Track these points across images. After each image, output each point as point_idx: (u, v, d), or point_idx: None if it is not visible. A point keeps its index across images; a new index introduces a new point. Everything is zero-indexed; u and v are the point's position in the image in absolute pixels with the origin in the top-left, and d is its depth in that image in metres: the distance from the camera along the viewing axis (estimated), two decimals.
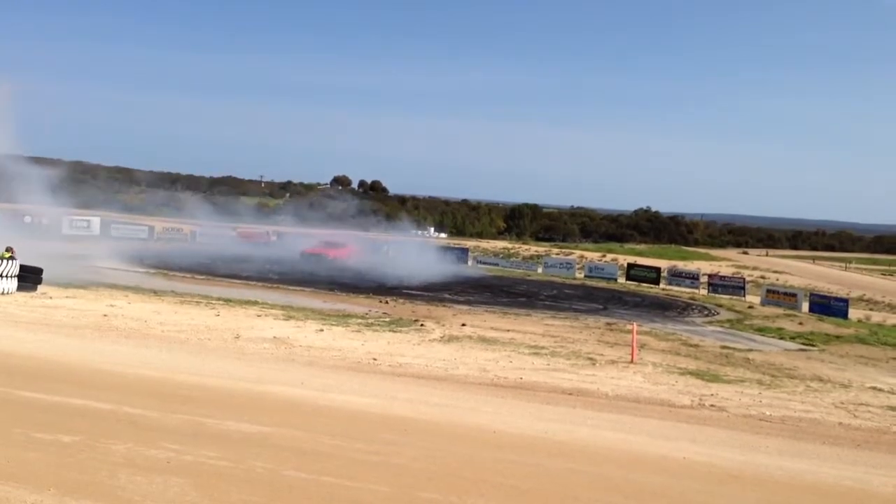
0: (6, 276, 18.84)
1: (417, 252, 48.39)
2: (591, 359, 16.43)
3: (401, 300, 26.53)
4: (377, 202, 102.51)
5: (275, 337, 16.15)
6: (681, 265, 55.46)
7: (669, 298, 36.76)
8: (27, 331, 14.63)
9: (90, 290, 21.59)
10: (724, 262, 74.87)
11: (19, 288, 19.28)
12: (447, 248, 52.83)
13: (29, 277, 19.73)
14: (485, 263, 49.06)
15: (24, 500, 6.20)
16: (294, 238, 48.78)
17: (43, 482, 6.61)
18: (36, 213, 42.96)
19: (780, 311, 32.66)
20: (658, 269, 45.12)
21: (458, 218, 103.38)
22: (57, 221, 44.12)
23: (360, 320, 20.01)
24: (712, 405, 12.56)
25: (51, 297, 19.15)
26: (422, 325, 20.01)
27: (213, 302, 21.23)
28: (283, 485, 7.00)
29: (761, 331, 25.13)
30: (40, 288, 19.97)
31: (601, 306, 30.44)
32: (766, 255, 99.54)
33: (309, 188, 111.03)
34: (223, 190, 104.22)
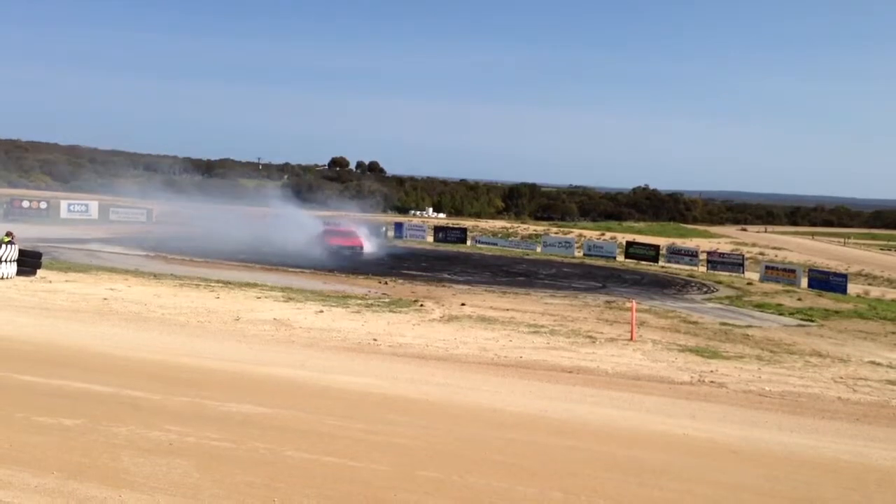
0: (5, 261, 18.83)
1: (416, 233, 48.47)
2: (590, 337, 16.47)
3: (400, 280, 26.51)
4: (375, 183, 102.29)
5: (275, 319, 16.17)
6: (679, 243, 55.47)
7: (668, 276, 36.75)
8: (27, 315, 14.64)
9: (90, 273, 21.59)
10: (723, 238, 75.03)
11: (19, 272, 19.28)
12: (447, 228, 52.82)
13: (28, 262, 19.72)
14: (484, 243, 49.02)
15: (27, 484, 6.23)
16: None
17: (46, 465, 6.63)
18: (33, 198, 42.84)
19: (779, 287, 32.69)
20: (657, 247, 45.04)
21: (457, 198, 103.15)
22: (55, 205, 44.06)
23: (359, 301, 20.02)
24: (712, 381, 12.61)
25: (50, 282, 19.15)
26: (421, 305, 20.03)
27: (213, 284, 21.22)
28: (285, 465, 7.04)
29: (760, 307, 25.15)
30: (39, 272, 19.96)
31: (600, 284, 30.45)
32: (765, 231, 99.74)
33: (307, 170, 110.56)
34: (221, 173, 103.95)
